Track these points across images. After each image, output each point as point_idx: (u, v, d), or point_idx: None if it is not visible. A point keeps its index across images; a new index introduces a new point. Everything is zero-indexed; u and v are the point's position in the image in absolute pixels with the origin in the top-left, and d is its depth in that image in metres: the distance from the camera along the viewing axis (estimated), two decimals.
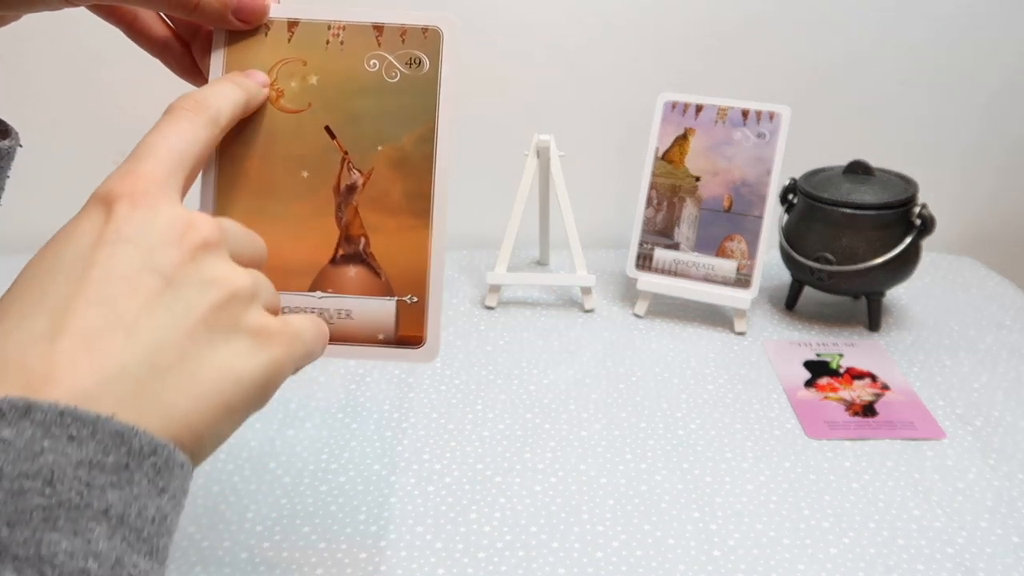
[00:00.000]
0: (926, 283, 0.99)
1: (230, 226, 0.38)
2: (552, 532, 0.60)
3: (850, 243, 0.84)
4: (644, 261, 0.90)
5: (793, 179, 0.91)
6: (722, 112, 0.87)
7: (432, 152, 0.48)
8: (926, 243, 0.87)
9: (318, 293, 0.48)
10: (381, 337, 0.49)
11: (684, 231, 0.88)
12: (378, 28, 0.48)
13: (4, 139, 0.46)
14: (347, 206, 0.48)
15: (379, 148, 0.48)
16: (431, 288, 0.48)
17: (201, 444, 0.35)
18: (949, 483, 0.66)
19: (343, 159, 0.48)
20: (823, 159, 0.93)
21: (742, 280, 0.86)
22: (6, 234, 1.08)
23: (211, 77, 0.47)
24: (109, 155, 0.93)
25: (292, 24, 0.47)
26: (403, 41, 0.48)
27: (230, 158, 0.47)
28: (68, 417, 0.30)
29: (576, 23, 1.01)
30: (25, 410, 0.29)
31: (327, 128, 0.48)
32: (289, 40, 0.47)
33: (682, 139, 0.88)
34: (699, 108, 0.88)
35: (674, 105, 0.89)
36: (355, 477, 0.66)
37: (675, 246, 0.89)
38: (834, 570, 0.57)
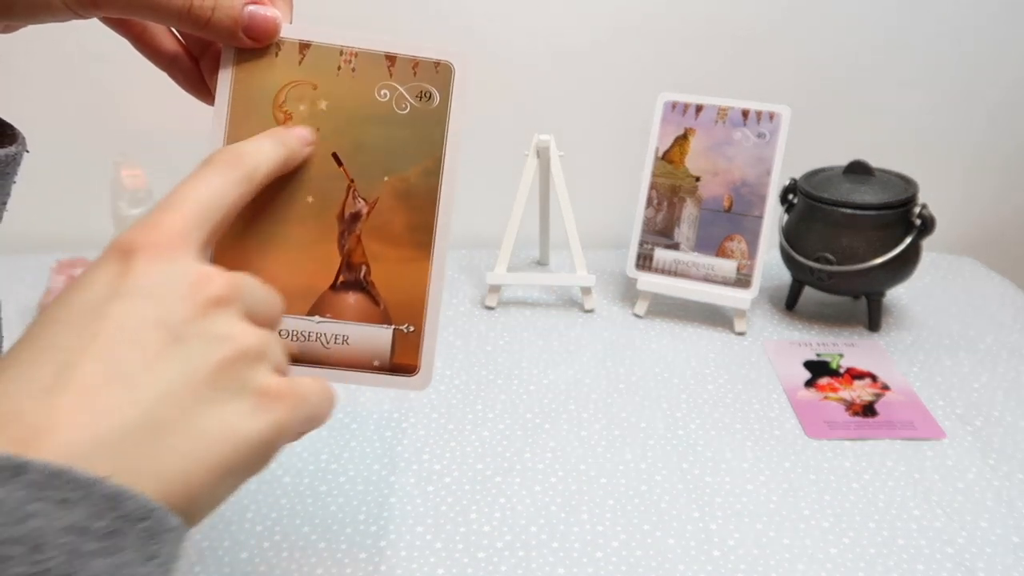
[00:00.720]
0: (926, 283, 0.99)
1: (247, 283, 0.37)
2: (552, 532, 0.60)
3: (850, 243, 0.84)
4: (644, 261, 0.90)
5: (793, 179, 0.91)
6: (722, 112, 0.87)
7: (437, 186, 0.48)
8: (926, 243, 0.87)
9: (316, 317, 0.48)
10: (376, 363, 0.49)
11: (684, 231, 0.88)
12: (391, 58, 0.47)
13: (10, 144, 0.46)
14: (350, 234, 0.48)
15: (385, 179, 0.48)
16: (427, 318, 0.49)
17: (196, 506, 0.34)
18: (949, 483, 0.66)
19: (349, 187, 0.48)
20: (823, 159, 0.93)
21: (742, 280, 0.86)
22: (6, 234, 1.08)
23: (217, 95, 0.46)
24: (108, 156, 0.93)
25: (304, 46, 0.47)
26: (415, 73, 0.48)
27: None
28: (61, 479, 0.29)
29: (576, 23, 1.01)
30: (17, 470, 0.28)
31: (334, 155, 0.47)
32: (300, 62, 0.47)
33: (682, 139, 0.88)
34: (699, 108, 0.88)
35: (674, 105, 0.89)
36: (355, 477, 0.66)
37: (675, 246, 0.89)
38: (834, 570, 0.57)
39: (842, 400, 0.76)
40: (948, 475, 0.67)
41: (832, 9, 1.01)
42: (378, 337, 0.49)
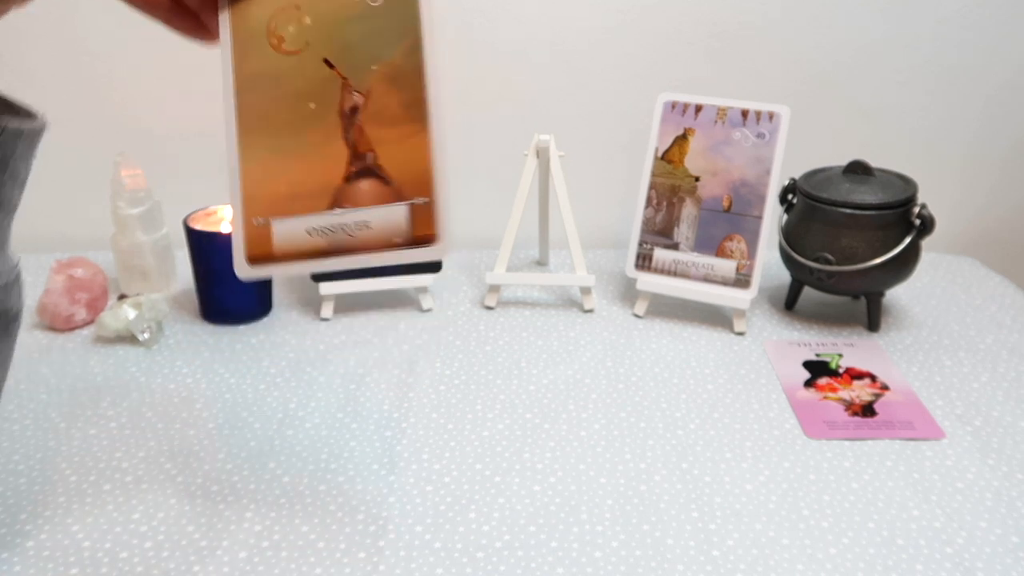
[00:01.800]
0: (926, 283, 0.99)
1: None
2: (551, 532, 0.60)
3: (850, 243, 0.84)
4: (644, 261, 0.90)
5: (793, 179, 0.91)
6: (722, 112, 0.87)
7: (422, 61, 0.52)
8: (926, 243, 0.87)
9: (337, 210, 0.52)
10: (398, 240, 0.52)
11: (684, 231, 0.88)
12: None
13: (32, 120, 0.47)
14: (352, 126, 0.52)
15: (373, 68, 0.52)
16: (437, 188, 0.51)
17: None
18: (948, 483, 0.66)
19: (343, 84, 0.52)
20: (823, 159, 0.93)
21: (742, 280, 0.86)
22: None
23: (221, 34, 0.52)
24: (108, 156, 0.93)
25: None
26: None
27: (245, 108, 0.53)
28: None
29: (576, 23, 1.01)
30: None
31: (326, 60, 0.52)
32: None
33: (682, 139, 0.88)
34: (699, 108, 0.88)
35: (674, 105, 0.89)
36: (354, 477, 0.66)
37: (675, 246, 0.89)
38: (833, 570, 0.57)
39: (841, 400, 0.76)
40: (947, 475, 0.67)
41: (831, 9, 1.01)
42: (395, 215, 0.52)
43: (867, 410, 0.75)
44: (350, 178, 0.52)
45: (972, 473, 0.67)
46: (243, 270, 0.56)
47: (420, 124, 0.52)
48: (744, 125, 0.86)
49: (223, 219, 0.89)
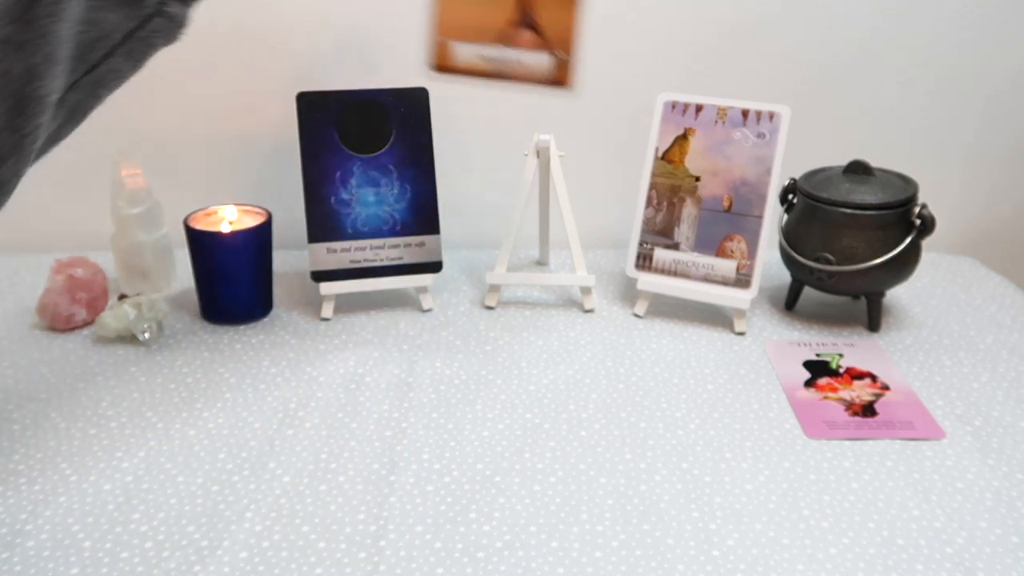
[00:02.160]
0: (926, 283, 0.99)
1: None
2: (551, 532, 0.60)
3: (850, 243, 0.84)
4: (644, 261, 0.90)
5: (793, 179, 0.91)
6: (722, 112, 0.87)
7: None
8: (926, 243, 0.87)
9: (503, 47, 0.74)
10: (542, 78, 0.74)
11: (684, 231, 0.88)
12: None
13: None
14: None
15: None
16: (574, 48, 0.74)
17: None
18: (949, 483, 0.66)
19: None
20: (823, 159, 0.93)
21: (742, 280, 0.86)
22: (7, 234, 1.08)
23: None
24: (108, 155, 0.93)
25: None
26: None
27: None
28: None
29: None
30: None
31: None
32: None
33: (682, 139, 0.88)
34: (699, 108, 0.88)
35: (674, 105, 0.89)
36: (354, 477, 0.66)
37: (675, 246, 0.89)
38: (833, 570, 0.57)
39: (842, 400, 0.76)
40: (948, 475, 0.67)
41: (833, 10, 1.01)
42: (542, 60, 0.74)
43: (867, 410, 0.75)
44: (515, 25, 0.73)
45: (972, 473, 0.67)
46: (431, 74, 0.76)
47: (571, 0, 0.73)
48: (744, 125, 0.86)
49: (223, 219, 0.89)
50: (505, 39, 0.73)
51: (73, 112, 0.53)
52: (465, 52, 0.74)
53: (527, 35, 0.73)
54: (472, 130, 1.05)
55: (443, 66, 0.75)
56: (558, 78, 0.74)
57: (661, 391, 0.77)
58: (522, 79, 0.74)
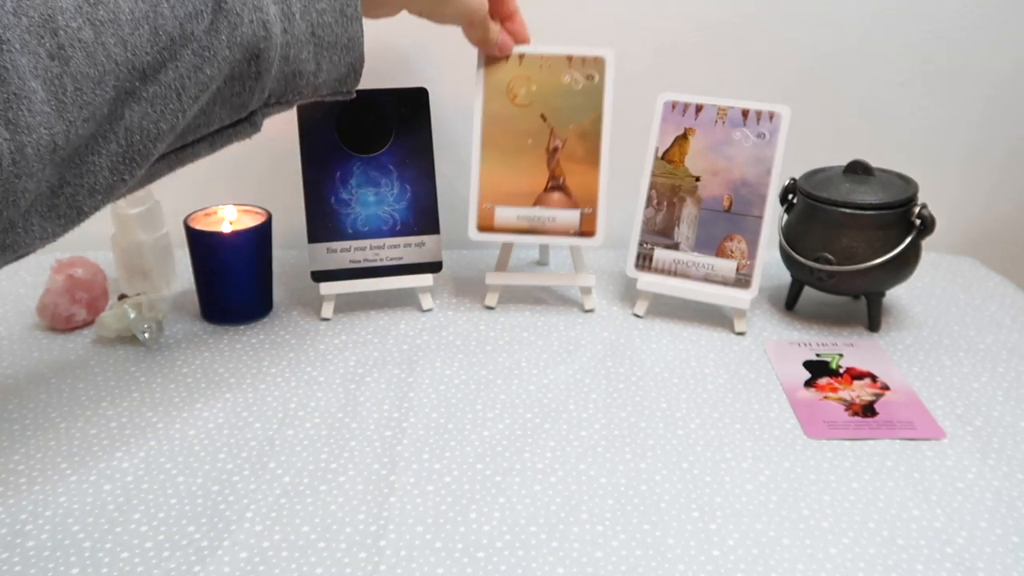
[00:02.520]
0: (926, 283, 0.99)
1: None
2: (551, 532, 0.60)
3: (850, 243, 0.84)
4: (644, 261, 0.90)
5: (793, 179, 0.91)
6: (722, 112, 0.87)
7: (600, 128, 0.85)
8: (926, 243, 0.87)
9: (538, 208, 0.86)
10: (572, 231, 0.86)
11: (684, 231, 0.88)
12: (569, 58, 0.85)
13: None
14: (553, 159, 0.85)
15: (571, 126, 0.85)
16: (600, 205, 0.86)
17: None
18: (949, 483, 0.66)
19: (551, 132, 0.85)
20: (823, 159, 0.93)
21: (742, 280, 0.86)
22: None
23: (476, 81, 0.85)
24: None
25: (521, 56, 0.85)
26: (583, 64, 0.85)
27: (488, 134, 0.86)
28: None
29: (575, 23, 1.01)
30: None
31: (542, 115, 0.85)
32: (519, 64, 0.85)
33: (682, 139, 0.88)
34: (699, 108, 0.88)
35: (674, 105, 0.89)
36: (355, 476, 0.66)
37: (675, 246, 0.89)
38: (833, 570, 0.57)
39: (842, 400, 0.76)
40: (948, 475, 0.67)
41: (833, 9, 1.01)
42: (572, 216, 0.86)
43: (867, 410, 0.75)
44: (547, 189, 0.86)
45: (972, 473, 0.67)
46: (474, 234, 0.87)
47: (594, 166, 0.85)
48: (744, 125, 0.86)
49: (223, 219, 0.89)
50: (539, 201, 0.86)
51: (145, 178, 0.56)
52: (505, 214, 0.86)
53: (557, 196, 0.85)
54: (472, 130, 1.05)
55: (487, 227, 0.87)
56: (585, 230, 0.86)
57: (661, 391, 0.77)
58: (555, 234, 0.86)
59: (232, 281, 0.87)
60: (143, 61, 0.49)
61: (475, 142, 0.85)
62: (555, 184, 0.84)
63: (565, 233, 0.86)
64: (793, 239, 0.89)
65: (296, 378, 0.79)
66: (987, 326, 0.90)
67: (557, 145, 0.84)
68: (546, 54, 0.84)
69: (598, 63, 0.84)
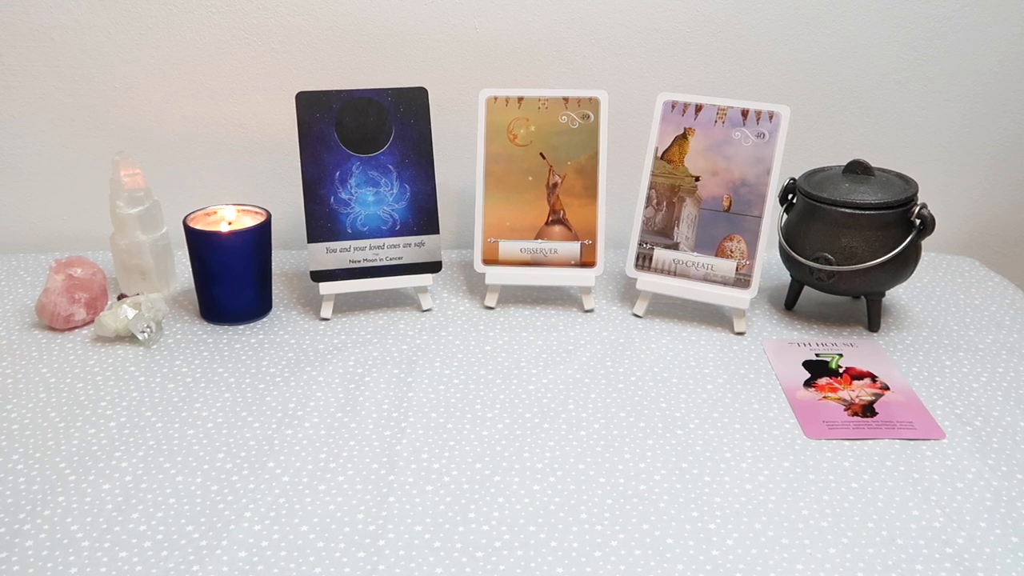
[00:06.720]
0: (926, 283, 0.99)
1: None
2: (551, 531, 0.60)
3: (850, 243, 0.84)
4: (644, 261, 0.90)
5: (793, 179, 0.91)
6: (721, 112, 0.87)
7: (597, 164, 0.89)
8: (926, 243, 0.87)
9: (540, 241, 0.90)
10: (573, 263, 0.90)
11: (684, 231, 0.88)
12: (565, 99, 0.89)
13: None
14: (553, 194, 0.89)
15: (569, 163, 0.89)
16: (599, 236, 0.90)
17: None
18: (948, 483, 0.66)
19: (550, 169, 0.89)
20: (823, 159, 0.93)
21: (741, 280, 0.86)
22: (7, 234, 1.08)
23: (479, 126, 0.89)
24: (107, 155, 0.93)
25: (519, 99, 0.89)
26: (579, 104, 0.89)
27: (490, 173, 0.90)
28: None
29: (576, 23, 1.01)
30: None
31: (541, 153, 0.89)
32: (518, 107, 0.89)
33: (681, 139, 0.88)
34: (699, 108, 0.88)
35: (674, 105, 0.89)
36: (354, 476, 0.66)
37: (675, 246, 0.89)
38: (833, 570, 0.57)
39: (841, 400, 0.76)
40: (947, 475, 0.66)
41: (831, 9, 1.01)
42: (572, 248, 0.90)
43: (867, 410, 0.75)
44: (548, 223, 0.90)
45: (972, 473, 0.67)
46: (480, 267, 0.91)
47: (592, 200, 0.89)
48: (744, 125, 0.86)
49: (223, 219, 0.89)
50: (541, 235, 0.89)
51: None
52: (509, 247, 0.90)
53: (558, 229, 0.89)
54: (472, 130, 1.05)
55: (492, 260, 0.90)
56: (586, 261, 0.90)
57: (660, 391, 0.77)
58: (557, 265, 0.89)
59: (231, 281, 0.87)
60: None
61: (478, 181, 0.89)
62: (556, 218, 0.89)
63: (566, 264, 0.89)
64: (793, 239, 0.89)
65: (295, 378, 0.79)
66: (987, 326, 0.90)
67: (556, 181, 0.88)
68: (544, 96, 0.88)
69: (593, 103, 0.88)
